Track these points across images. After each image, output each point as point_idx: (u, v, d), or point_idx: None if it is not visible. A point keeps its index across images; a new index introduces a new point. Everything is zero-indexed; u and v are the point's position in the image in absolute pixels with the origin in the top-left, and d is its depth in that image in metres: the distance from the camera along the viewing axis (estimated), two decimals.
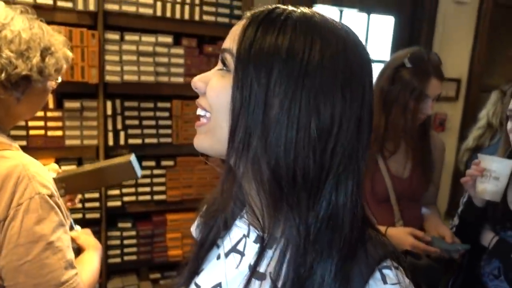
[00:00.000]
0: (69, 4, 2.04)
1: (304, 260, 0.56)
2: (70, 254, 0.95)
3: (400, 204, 1.56)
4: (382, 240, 0.62)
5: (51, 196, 0.93)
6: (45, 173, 0.96)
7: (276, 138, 0.53)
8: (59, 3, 2.02)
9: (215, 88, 0.59)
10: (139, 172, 1.20)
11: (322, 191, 0.56)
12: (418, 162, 1.60)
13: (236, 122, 0.55)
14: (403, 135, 1.56)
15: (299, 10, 0.58)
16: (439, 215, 1.73)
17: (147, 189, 2.30)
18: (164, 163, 2.34)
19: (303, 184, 0.55)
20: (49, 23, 1.99)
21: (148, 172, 2.29)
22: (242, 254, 0.67)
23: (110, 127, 2.18)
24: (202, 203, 0.81)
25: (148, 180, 2.30)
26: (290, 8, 0.59)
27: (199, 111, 0.63)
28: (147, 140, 2.26)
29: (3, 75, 0.91)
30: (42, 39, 0.98)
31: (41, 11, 1.93)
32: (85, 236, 1.16)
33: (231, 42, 0.59)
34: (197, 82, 0.63)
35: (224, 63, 0.60)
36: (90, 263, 1.07)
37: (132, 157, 1.18)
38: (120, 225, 2.29)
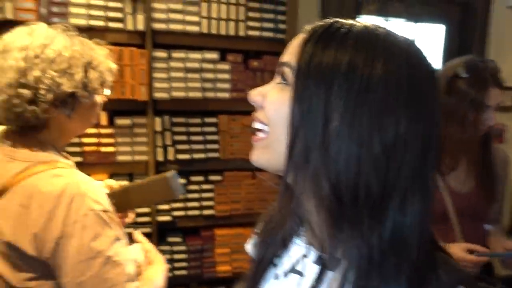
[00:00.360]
0: (120, 25, 2.11)
1: (367, 284, 0.52)
2: (130, 268, 0.96)
3: (461, 222, 1.47)
4: (454, 264, 0.58)
5: (105, 211, 0.94)
6: (97, 189, 0.97)
7: (336, 153, 0.52)
8: (110, 24, 2.10)
9: (274, 102, 0.59)
10: (179, 192, 1.13)
11: (387, 211, 0.53)
12: (480, 177, 1.50)
13: (295, 136, 0.54)
14: (463, 148, 1.48)
15: (360, 24, 0.56)
16: (504, 233, 1.62)
17: (196, 204, 2.32)
18: (212, 178, 2.35)
19: (366, 202, 0.52)
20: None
21: (196, 187, 2.31)
22: (301, 274, 0.64)
23: (159, 143, 2.22)
24: (258, 221, 0.79)
25: (196, 195, 2.32)
26: (351, 21, 0.57)
27: (256, 125, 0.62)
28: (195, 155, 2.28)
29: (50, 95, 0.92)
30: (84, 55, 0.99)
31: (93, 32, 2.04)
32: (155, 251, 1.17)
33: (290, 56, 0.58)
34: (255, 95, 0.62)
35: (282, 77, 0.59)
36: (155, 278, 1.07)
37: (170, 174, 1.13)
38: (170, 239, 2.31)
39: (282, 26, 2.38)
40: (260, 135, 0.61)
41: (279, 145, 0.57)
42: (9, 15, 1.92)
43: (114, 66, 1.09)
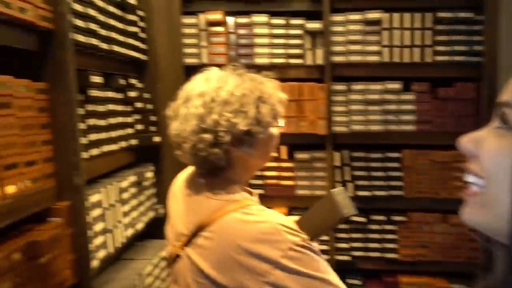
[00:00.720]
0: (300, 61, 2.16)
1: None
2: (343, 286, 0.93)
3: None
4: None
5: (304, 240, 0.90)
6: (289, 222, 0.94)
7: None
8: (291, 61, 2.16)
9: (493, 151, 0.47)
10: (348, 209, 1.03)
11: None
12: None
13: None
14: None
15: None
16: None
17: (377, 245, 2.14)
18: (395, 218, 2.15)
19: None
20: (283, 80, 2.16)
21: (377, 226, 2.14)
22: None
23: (338, 178, 2.15)
24: (474, 286, 0.63)
25: (377, 236, 2.14)
26: None
27: (468, 178, 0.51)
28: (376, 193, 2.13)
29: (229, 136, 0.94)
30: (254, 91, 0.99)
31: (276, 69, 2.11)
32: None
33: None
34: (466, 142, 0.51)
35: (503, 120, 0.47)
36: None
37: (336, 190, 1.04)
38: (349, 281, 2.17)
39: (477, 48, 2.09)
40: (474, 188, 0.50)
41: (499, 204, 0.47)
42: (204, 60, 2.14)
43: (284, 97, 1.08)
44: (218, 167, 0.99)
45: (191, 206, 1.00)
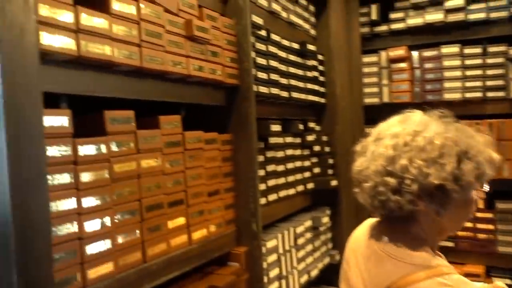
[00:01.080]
0: (501, 94, 1.86)
1: None
2: None
3: None
4: None
5: None
6: None
7: None
8: (489, 94, 1.87)
9: None
10: None
11: None
12: None
13: None
14: None
15: None
16: None
17: None
18: None
19: None
20: (478, 116, 1.89)
21: None
22: None
23: None
24: None
25: None
26: None
27: None
28: None
29: (415, 185, 0.83)
30: (459, 143, 0.85)
31: (470, 105, 1.88)
32: None
33: None
34: None
35: None
36: None
37: None
38: None
39: None
40: None
41: None
42: (385, 98, 2.03)
43: (497, 158, 0.90)
44: (400, 217, 0.89)
45: (374, 266, 0.91)
